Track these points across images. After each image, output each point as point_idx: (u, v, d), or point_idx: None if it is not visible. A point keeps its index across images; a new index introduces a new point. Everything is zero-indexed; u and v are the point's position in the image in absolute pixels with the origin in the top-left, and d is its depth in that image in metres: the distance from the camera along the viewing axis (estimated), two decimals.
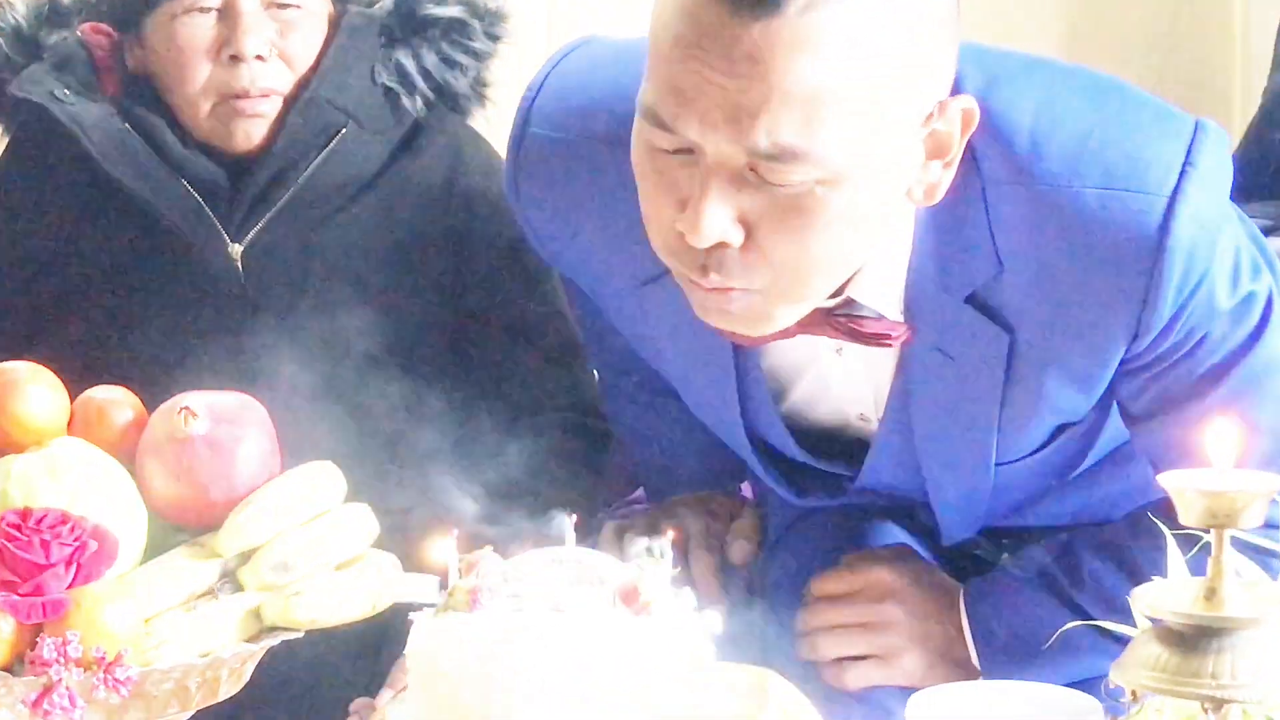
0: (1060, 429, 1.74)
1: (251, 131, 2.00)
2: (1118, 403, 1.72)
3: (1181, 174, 1.57)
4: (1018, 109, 1.60)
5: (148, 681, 1.34)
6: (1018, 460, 1.76)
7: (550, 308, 2.09)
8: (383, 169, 2.07)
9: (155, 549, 1.43)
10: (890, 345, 1.69)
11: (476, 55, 2.11)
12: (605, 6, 2.71)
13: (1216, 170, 1.60)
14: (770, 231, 1.47)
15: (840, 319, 1.66)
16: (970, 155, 1.59)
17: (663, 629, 1.30)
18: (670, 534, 1.39)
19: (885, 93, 1.47)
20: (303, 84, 2.02)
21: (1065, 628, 1.52)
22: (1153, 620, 1.11)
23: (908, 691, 1.47)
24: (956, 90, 1.55)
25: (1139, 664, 1.07)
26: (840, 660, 1.80)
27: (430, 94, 2.08)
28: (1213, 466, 1.08)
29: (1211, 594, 1.05)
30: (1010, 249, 1.61)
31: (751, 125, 1.41)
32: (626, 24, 2.55)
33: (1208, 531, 1.07)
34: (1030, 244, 1.61)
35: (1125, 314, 1.60)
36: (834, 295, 1.63)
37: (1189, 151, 1.58)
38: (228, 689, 1.43)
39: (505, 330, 2.08)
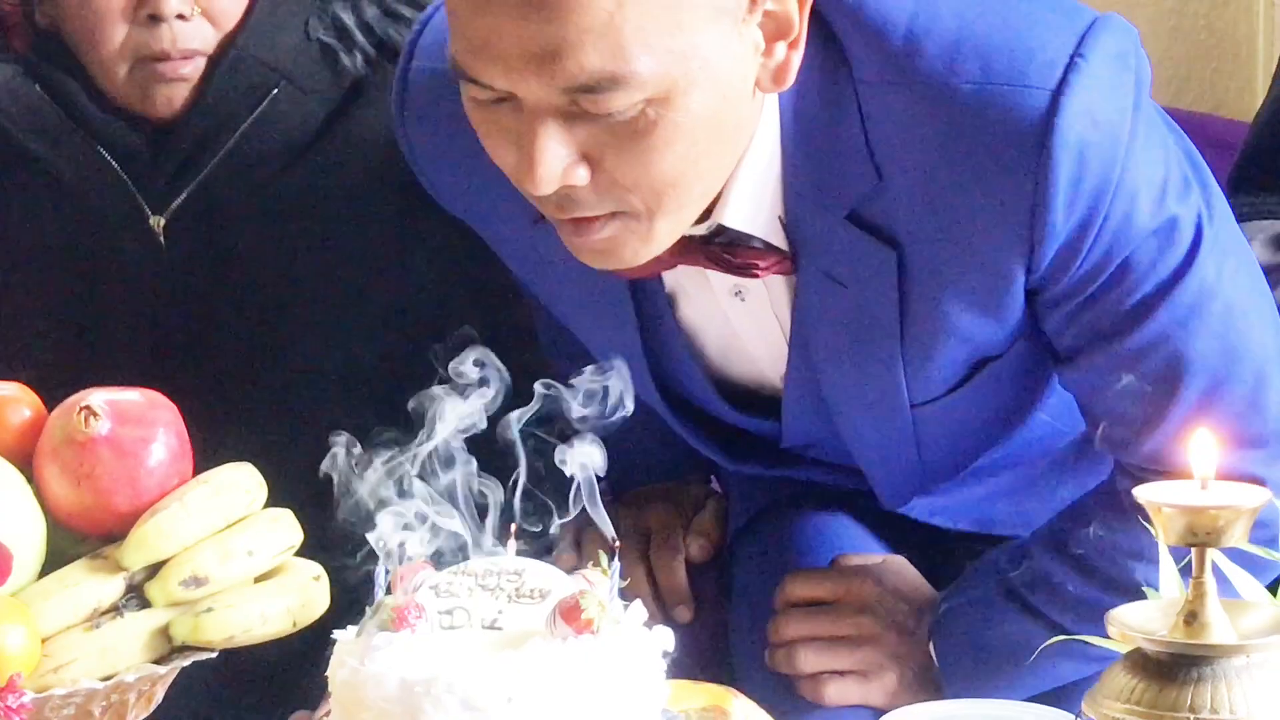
0: (980, 364, 1.75)
1: (173, 96, 1.99)
2: (1048, 346, 1.72)
3: (1068, 66, 1.55)
4: (895, 4, 1.61)
5: (46, 707, 1.34)
6: (936, 399, 1.77)
7: (505, 280, 2.09)
8: (319, 132, 2.06)
9: (54, 561, 1.43)
10: (760, 274, 1.70)
11: (421, 7, 2.07)
12: None
13: (1117, 66, 1.58)
14: (615, 160, 1.51)
15: (713, 248, 1.68)
16: (841, 55, 1.60)
17: (608, 649, 1.29)
18: (617, 543, 1.39)
19: None
20: (229, 42, 2.01)
21: (1043, 647, 1.52)
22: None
23: (879, 711, 1.48)
24: None
25: (1112, 694, 1.07)
26: (819, 675, 1.82)
27: (371, 50, 2.07)
28: (1193, 478, 1.09)
29: (1192, 618, 1.06)
30: (888, 156, 1.62)
31: (557, 64, 1.44)
32: None
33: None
34: (909, 149, 1.61)
35: (1014, 223, 1.60)
36: (701, 221, 1.66)
37: (1080, 43, 1.57)
38: (136, 713, 1.43)
39: (456, 301, 2.09)
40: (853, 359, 1.75)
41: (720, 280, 1.75)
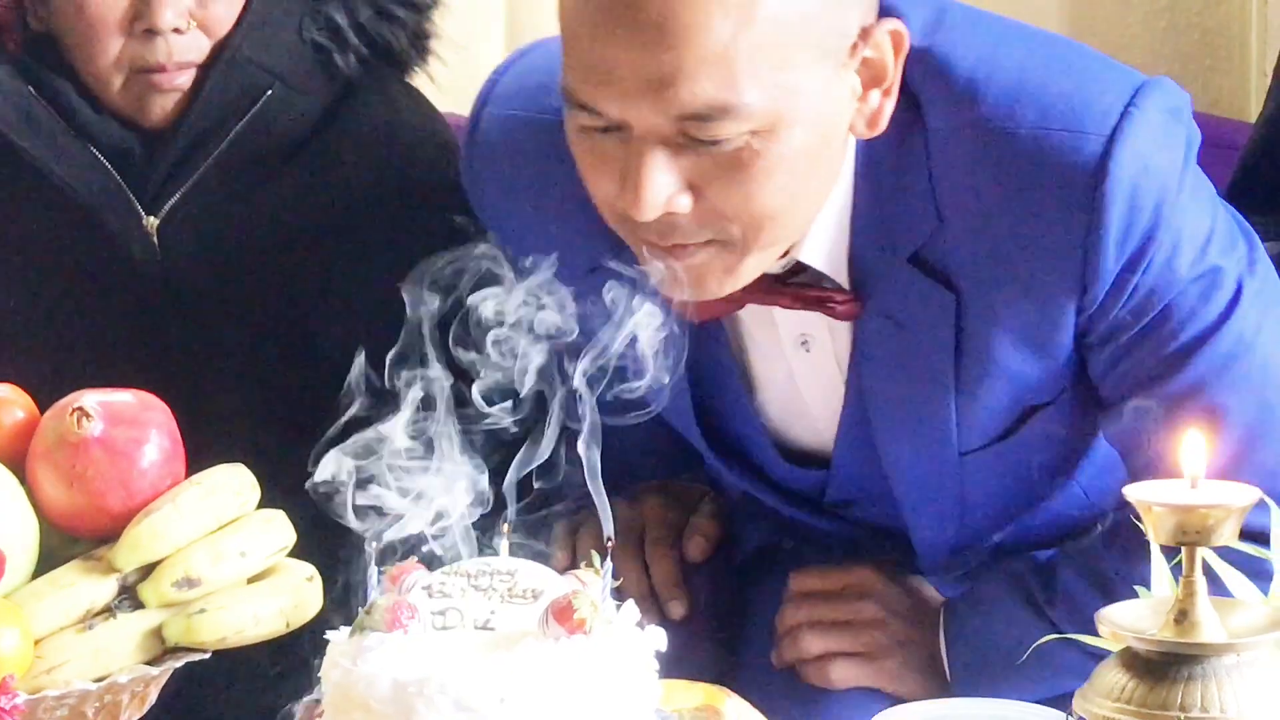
0: (1027, 414, 1.77)
1: (167, 105, 2.00)
2: (1092, 395, 1.75)
3: (1123, 115, 1.61)
4: (959, 54, 1.67)
5: (39, 709, 1.34)
6: (984, 448, 1.79)
7: None
8: (313, 133, 2.07)
9: (47, 563, 1.43)
10: (835, 312, 1.74)
11: (416, 7, 2.11)
12: None
13: (1169, 119, 1.64)
14: (718, 190, 1.56)
15: (789, 287, 1.73)
16: (916, 105, 1.66)
17: (601, 649, 1.29)
18: (610, 542, 1.40)
19: (799, 30, 1.54)
20: (224, 42, 2.01)
21: (1040, 642, 1.55)
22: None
23: (876, 708, 1.48)
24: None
25: (1103, 693, 1.08)
26: (823, 657, 1.82)
27: (364, 50, 2.08)
28: (1183, 477, 1.09)
29: (1182, 617, 1.07)
30: (949, 201, 1.68)
31: (672, 91, 1.50)
32: None
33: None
34: (969, 193, 1.67)
35: (1068, 262, 1.65)
36: (781, 258, 1.72)
37: (1135, 94, 1.63)
38: (129, 714, 1.43)
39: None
40: (907, 403, 1.79)
41: (788, 330, 1.81)
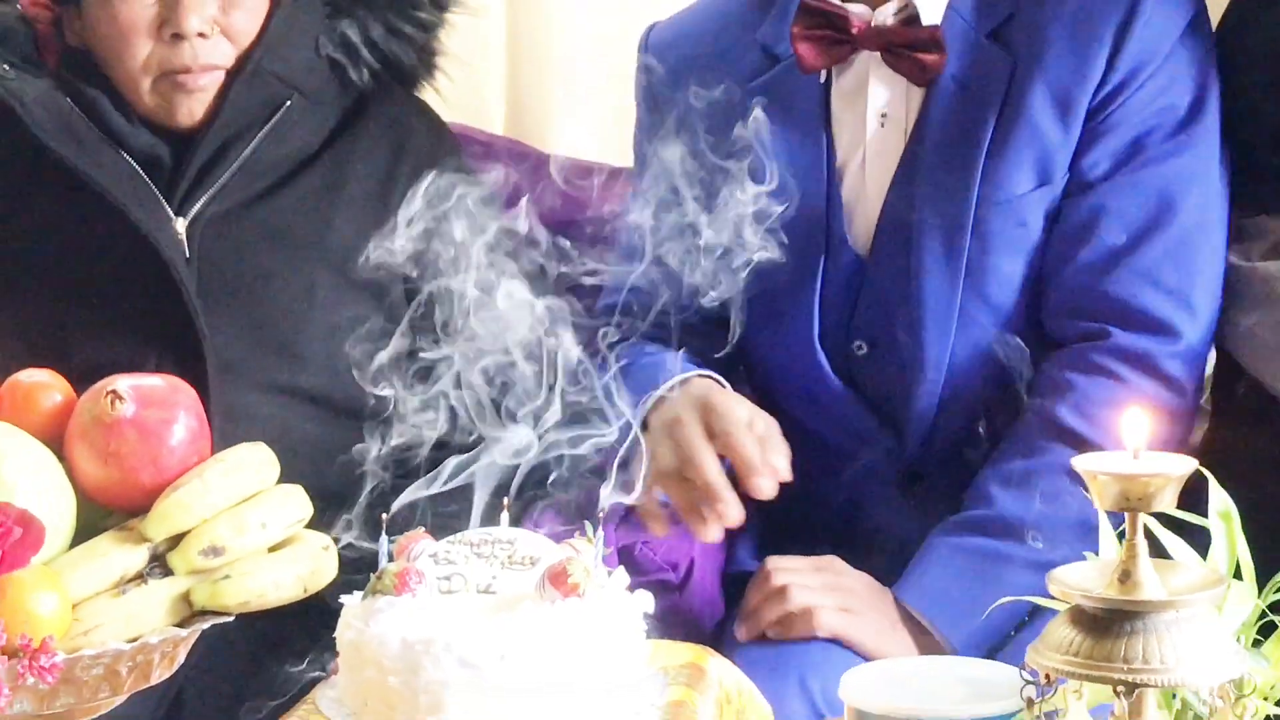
0: (1032, 195, 1.94)
1: (194, 107, 2.00)
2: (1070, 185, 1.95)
3: None
4: None
5: (76, 667, 1.33)
6: (999, 217, 1.93)
7: None
8: (328, 141, 2.07)
9: (84, 533, 1.42)
10: (925, 65, 1.95)
11: (423, 26, 2.12)
12: None
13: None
14: None
15: (898, 35, 1.96)
16: None
17: (593, 611, 1.30)
18: (602, 513, 1.41)
19: None
20: (246, 57, 2.01)
21: (993, 607, 1.53)
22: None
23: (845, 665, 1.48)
24: None
25: (1053, 647, 1.08)
26: (809, 610, 1.82)
27: (376, 65, 2.08)
28: (1125, 449, 1.09)
29: (1126, 577, 1.07)
30: None
31: None
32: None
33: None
34: None
35: (1102, 34, 1.91)
36: (899, 12, 1.96)
37: None
38: (160, 673, 1.42)
39: None
40: (947, 161, 1.94)
41: (874, 104, 1.98)
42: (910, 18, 1.95)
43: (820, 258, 1.97)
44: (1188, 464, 1.08)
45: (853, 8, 1.96)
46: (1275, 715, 1.28)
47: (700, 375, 1.94)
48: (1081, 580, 1.09)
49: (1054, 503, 1.79)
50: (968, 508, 1.88)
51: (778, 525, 2.07)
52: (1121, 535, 1.11)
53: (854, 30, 1.94)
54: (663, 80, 2.02)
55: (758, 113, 1.82)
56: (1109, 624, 1.07)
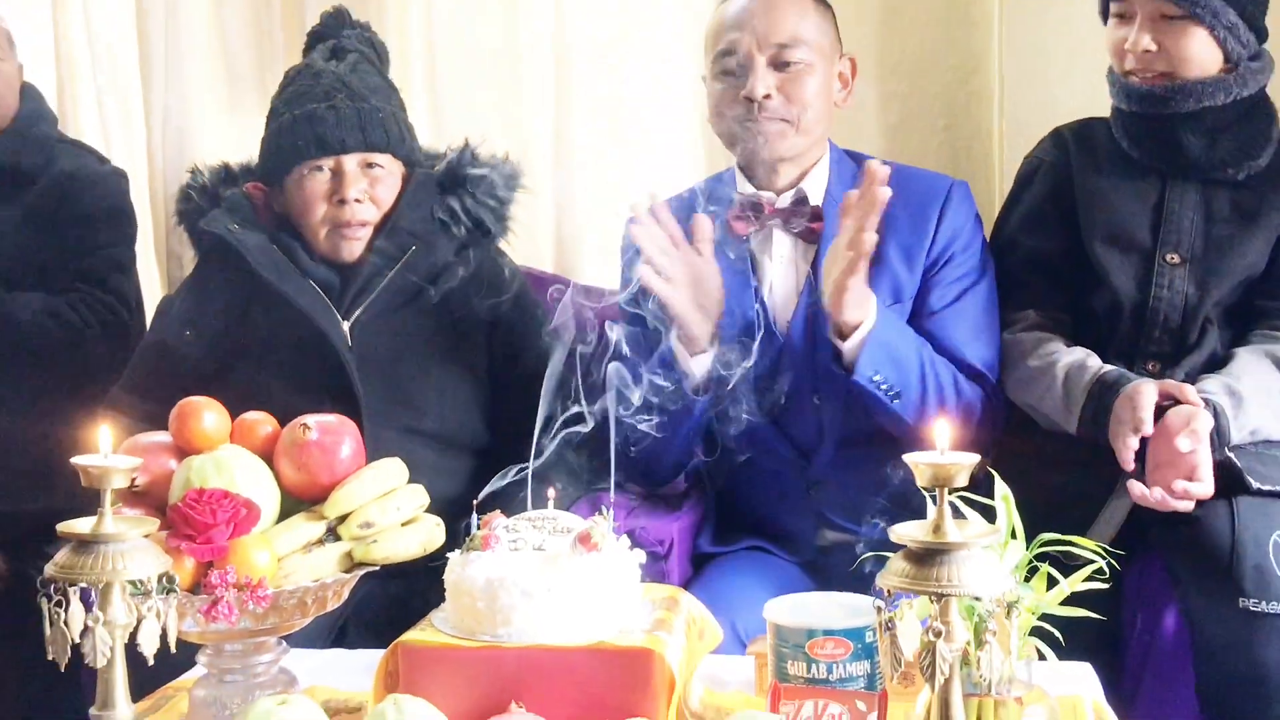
0: (891, 307, 1.91)
1: (353, 249, 2.01)
2: (920, 310, 1.96)
3: (954, 180, 2.01)
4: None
5: (279, 599, 1.36)
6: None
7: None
8: (438, 274, 2.04)
9: (285, 514, 1.44)
10: (809, 233, 1.95)
11: (500, 200, 2.10)
12: (598, 167, 2.64)
13: (968, 193, 2.01)
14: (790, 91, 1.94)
15: (790, 213, 1.95)
16: (857, 159, 1.99)
17: (607, 561, 1.32)
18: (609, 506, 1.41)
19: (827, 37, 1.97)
20: (386, 218, 2.02)
21: (862, 559, 1.49)
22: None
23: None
24: None
25: (893, 574, 1.09)
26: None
27: (470, 225, 2.07)
28: (936, 450, 1.11)
29: (937, 529, 1.09)
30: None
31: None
32: (612, 186, 2.57)
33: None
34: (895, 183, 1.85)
35: (930, 216, 1.96)
36: (791, 191, 1.96)
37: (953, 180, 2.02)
38: (332, 604, 1.44)
39: (521, 378, 2.01)
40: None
41: (780, 250, 1.96)
42: (801, 199, 1.95)
43: (756, 338, 1.90)
44: (973, 458, 1.09)
45: (764, 194, 1.96)
46: (1037, 626, 1.31)
47: None
48: (911, 531, 1.09)
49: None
50: None
51: (726, 518, 2.05)
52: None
53: (768, 208, 1.95)
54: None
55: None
56: (927, 558, 1.08)
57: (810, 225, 1.95)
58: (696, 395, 1.83)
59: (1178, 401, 1.79)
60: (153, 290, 2.59)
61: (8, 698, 2.16)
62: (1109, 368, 1.87)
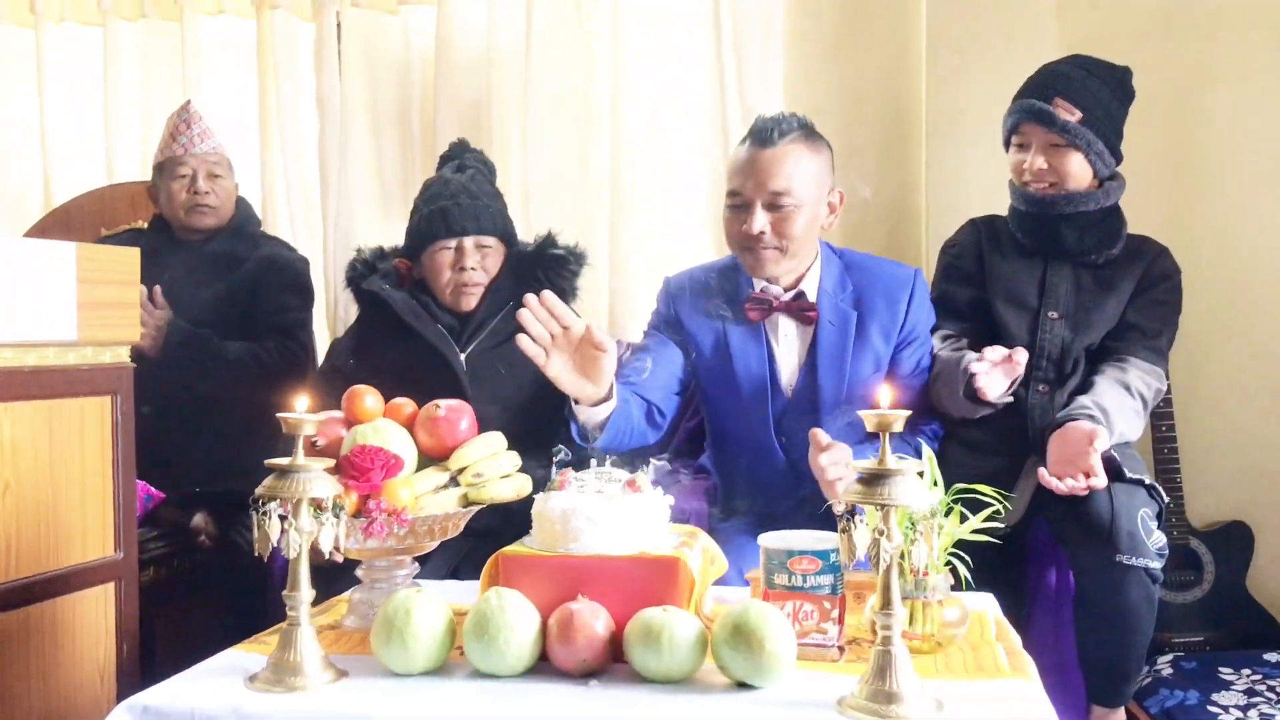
0: (872, 376, 1.86)
1: (470, 302, 2.05)
2: (893, 374, 1.88)
3: (916, 273, 1.92)
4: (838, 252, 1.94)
5: (416, 524, 1.40)
6: (855, 391, 1.84)
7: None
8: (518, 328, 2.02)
9: (421, 467, 1.47)
10: (808, 318, 1.87)
11: (572, 273, 2.13)
12: (642, 251, 2.58)
13: (925, 281, 1.95)
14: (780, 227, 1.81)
15: (793, 308, 1.88)
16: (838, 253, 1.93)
17: (646, 500, 1.34)
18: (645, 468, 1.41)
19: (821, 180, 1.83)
20: (493, 282, 2.06)
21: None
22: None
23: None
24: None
25: (852, 492, 1.11)
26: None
27: (550, 288, 2.02)
28: (881, 406, 1.14)
29: (881, 460, 1.11)
30: (853, 278, 1.89)
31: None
32: (653, 266, 2.57)
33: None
34: (868, 277, 1.90)
35: (901, 303, 1.89)
36: (793, 289, 1.87)
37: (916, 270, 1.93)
38: (452, 533, 1.46)
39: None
40: (829, 361, 1.86)
41: (786, 331, 1.89)
42: (800, 294, 1.88)
43: (767, 395, 1.88)
44: (906, 412, 1.12)
45: (772, 289, 1.89)
46: (953, 553, 1.33)
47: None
48: (864, 463, 1.11)
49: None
50: None
51: (733, 506, 2.00)
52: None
53: (774, 303, 1.89)
54: (671, 300, 1.97)
55: (729, 331, 1.89)
56: (874, 480, 1.10)
57: (808, 314, 1.89)
58: (583, 441, 1.68)
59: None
60: (322, 340, 2.64)
61: (215, 623, 2.19)
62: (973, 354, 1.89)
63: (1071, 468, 1.75)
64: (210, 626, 2.18)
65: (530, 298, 1.57)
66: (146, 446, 1.79)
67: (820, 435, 1.65)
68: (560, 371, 1.59)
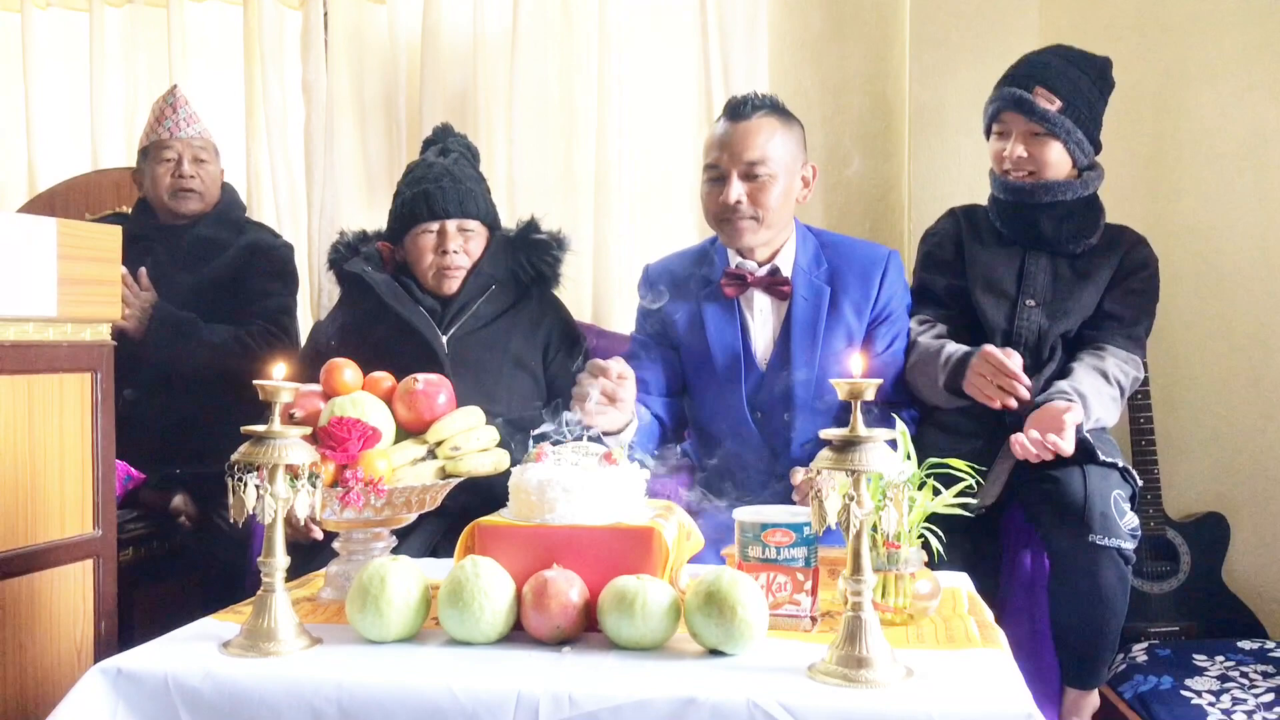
0: (844, 349, 1.89)
1: (451, 286, 2.04)
2: (869, 350, 1.90)
3: (891, 254, 1.93)
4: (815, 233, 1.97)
5: (393, 495, 1.39)
6: (827, 370, 1.87)
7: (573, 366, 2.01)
8: (508, 308, 2.07)
9: (398, 439, 1.47)
10: (783, 293, 1.88)
11: (555, 259, 2.12)
12: (624, 239, 2.59)
13: (900, 261, 1.95)
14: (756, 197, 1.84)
15: (768, 280, 1.89)
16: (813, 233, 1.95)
17: (622, 473, 1.35)
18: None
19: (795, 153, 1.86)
20: (474, 266, 2.06)
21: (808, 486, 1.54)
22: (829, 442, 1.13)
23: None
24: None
25: (822, 461, 1.11)
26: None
27: (532, 274, 2.09)
28: (854, 375, 1.15)
29: (853, 430, 1.12)
30: (828, 255, 1.90)
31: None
32: (634, 255, 2.57)
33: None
34: (835, 255, 1.88)
35: (874, 280, 1.89)
36: (767, 264, 1.89)
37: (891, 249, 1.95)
38: (430, 505, 1.46)
39: (560, 379, 2.04)
40: (803, 337, 1.88)
41: (761, 306, 1.90)
42: (775, 269, 1.90)
43: (741, 370, 1.90)
44: (878, 380, 1.13)
45: (747, 264, 1.92)
46: (926, 528, 1.34)
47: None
48: (838, 432, 1.12)
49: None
50: None
51: (714, 487, 1.97)
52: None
53: (749, 278, 1.91)
54: (653, 284, 2.00)
55: (705, 309, 1.91)
56: (845, 447, 1.10)
57: (782, 289, 1.92)
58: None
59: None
60: (306, 326, 2.63)
61: (193, 603, 2.19)
62: (958, 347, 1.91)
63: (1044, 435, 1.78)
64: (189, 607, 2.15)
65: (597, 364, 1.65)
66: (128, 428, 1.77)
67: (796, 473, 1.68)
68: (600, 423, 1.65)
